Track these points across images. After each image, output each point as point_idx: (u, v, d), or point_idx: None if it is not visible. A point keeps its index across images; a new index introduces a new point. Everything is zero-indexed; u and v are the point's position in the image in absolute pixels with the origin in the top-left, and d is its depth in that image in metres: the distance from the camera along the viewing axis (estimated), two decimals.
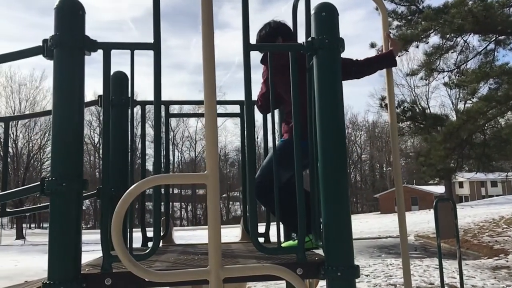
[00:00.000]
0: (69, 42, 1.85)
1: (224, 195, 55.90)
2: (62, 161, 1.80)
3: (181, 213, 61.17)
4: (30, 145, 35.41)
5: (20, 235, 31.08)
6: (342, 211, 1.88)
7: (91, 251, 17.68)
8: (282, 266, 1.37)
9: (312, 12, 2.03)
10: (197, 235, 24.09)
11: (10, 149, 33.56)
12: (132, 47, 2.01)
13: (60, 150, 1.81)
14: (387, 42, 2.51)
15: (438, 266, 6.08)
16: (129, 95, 3.14)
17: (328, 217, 1.87)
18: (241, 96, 3.11)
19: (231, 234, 15.89)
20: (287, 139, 2.61)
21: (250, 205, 1.92)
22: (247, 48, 1.99)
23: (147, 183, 1.39)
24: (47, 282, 1.72)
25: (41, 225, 51.31)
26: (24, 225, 34.03)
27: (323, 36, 1.97)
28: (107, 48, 1.93)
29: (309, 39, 2.01)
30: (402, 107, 14.16)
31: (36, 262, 14.63)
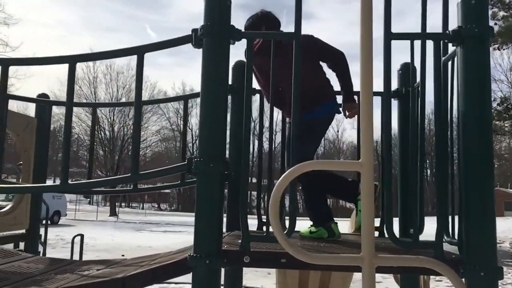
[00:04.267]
0: (218, 31, 1.94)
1: None
2: (209, 143, 1.92)
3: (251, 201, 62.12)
4: (125, 129, 37.86)
5: (113, 213, 33.59)
6: (488, 208, 1.79)
7: (177, 232, 18.65)
8: (437, 260, 1.34)
9: None
10: None
11: (108, 133, 36.36)
12: (274, 36, 2.07)
13: (208, 133, 1.92)
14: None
15: None
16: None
17: (472, 214, 1.80)
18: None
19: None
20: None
21: (387, 198, 1.91)
22: (388, 37, 1.96)
23: (304, 168, 1.41)
24: (193, 255, 1.85)
25: (130, 204, 55.04)
26: (116, 204, 36.64)
27: (472, 24, 1.87)
28: (251, 37, 2.00)
29: (456, 27, 1.93)
30: (505, 105, 13.12)
31: (128, 238, 15.75)
